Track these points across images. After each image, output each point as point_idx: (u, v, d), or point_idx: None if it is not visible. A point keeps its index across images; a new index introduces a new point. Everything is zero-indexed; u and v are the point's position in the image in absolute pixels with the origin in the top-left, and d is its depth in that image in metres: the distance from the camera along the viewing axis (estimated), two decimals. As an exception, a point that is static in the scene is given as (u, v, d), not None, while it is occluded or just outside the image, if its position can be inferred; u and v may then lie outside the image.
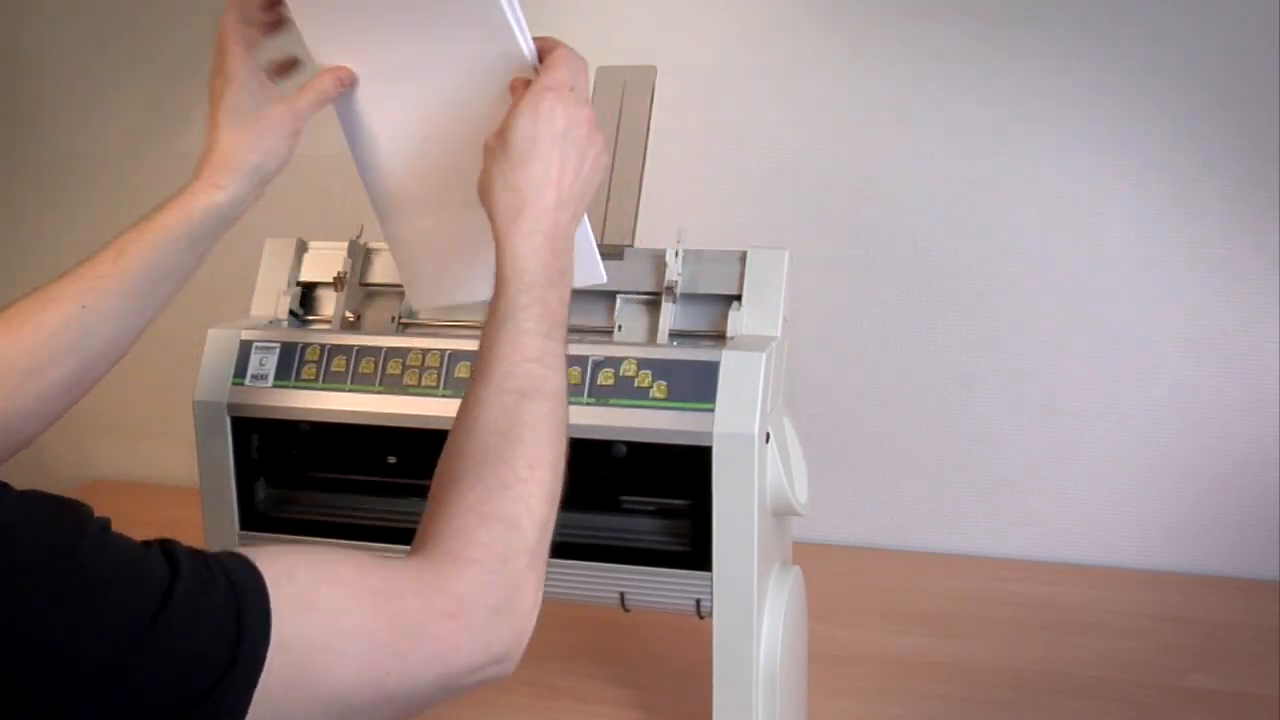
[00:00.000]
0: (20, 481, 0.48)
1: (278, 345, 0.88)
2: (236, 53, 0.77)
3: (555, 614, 1.06)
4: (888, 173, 1.26)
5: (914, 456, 1.31)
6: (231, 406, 0.88)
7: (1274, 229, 1.16)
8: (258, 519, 0.90)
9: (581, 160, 0.70)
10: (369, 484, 0.89)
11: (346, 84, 0.79)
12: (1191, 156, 1.17)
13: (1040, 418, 1.27)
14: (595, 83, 0.94)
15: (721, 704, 0.81)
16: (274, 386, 0.87)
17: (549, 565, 0.86)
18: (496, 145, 0.69)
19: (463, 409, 0.64)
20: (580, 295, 0.92)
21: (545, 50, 0.75)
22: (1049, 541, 1.28)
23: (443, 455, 0.63)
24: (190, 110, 1.49)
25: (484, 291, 0.69)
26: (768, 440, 0.80)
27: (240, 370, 0.88)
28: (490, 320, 0.66)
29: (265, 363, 0.88)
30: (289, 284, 0.95)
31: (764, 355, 0.79)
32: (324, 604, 0.51)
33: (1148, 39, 1.16)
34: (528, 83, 0.71)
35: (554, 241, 0.68)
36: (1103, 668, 1.04)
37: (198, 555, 0.49)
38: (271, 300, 0.95)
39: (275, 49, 0.79)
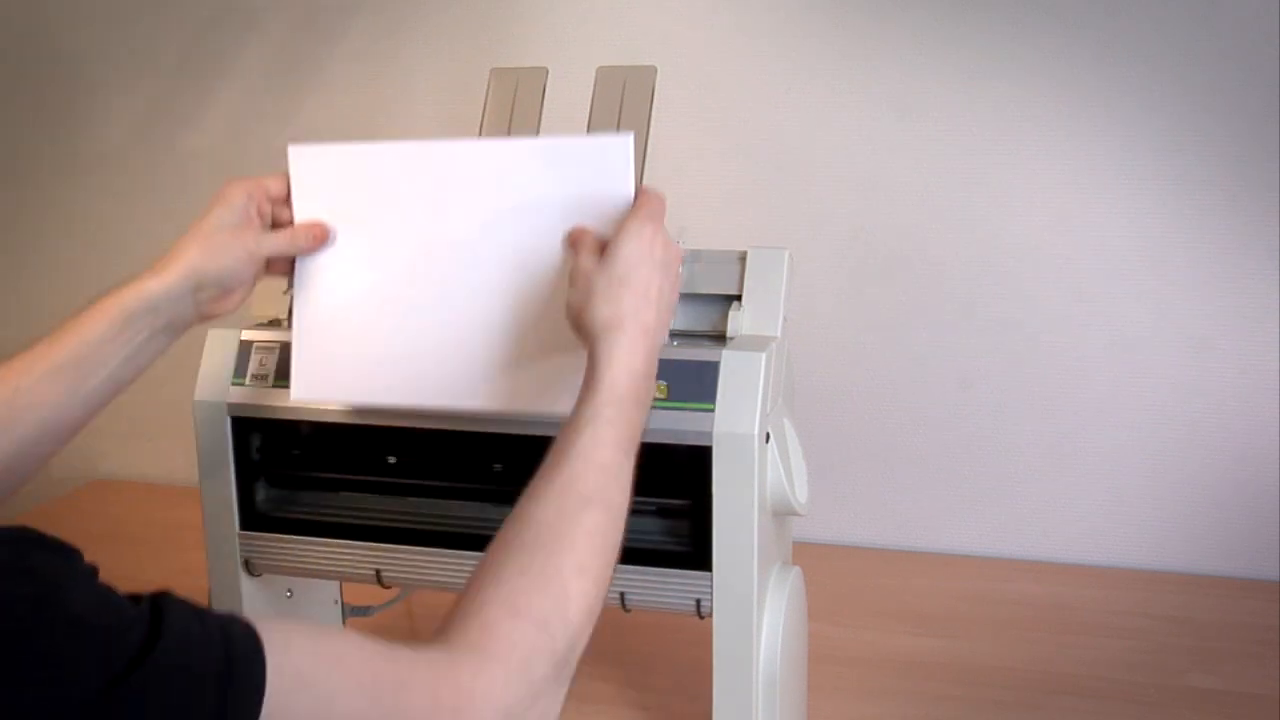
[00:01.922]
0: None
1: (278, 345, 0.88)
2: (240, 186, 0.79)
3: (555, 614, 1.06)
4: (887, 172, 1.26)
5: (914, 457, 1.31)
6: (231, 406, 0.88)
7: (1274, 228, 1.16)
8: (258, 519, 0.90)
9: (672, 292, 0.73)
10: (369, 484, 0.90)
11: (321, 241, 0.81)
12: (1192, 156, 1.17)
13: (1040, 418, 1.27)
14: (595, 82, 0.95)
15: (721, 704, 0.81)
16: (274, 386, 0.87)
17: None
18: (595, 267, 0.71)
19: (522, 500, 0.63)
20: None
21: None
22: (1049, 541, 1.28)
23: (492, 542, 0.61)
24: (190, 110, 1.49)
25: (557, 404, 0.74)
26: (768, 440, 0.80)
27: (240, 370, 0.88)
28: (570, 423, 0.66)
29: (265, 363, 0.88)
30: (289, 284, 0.95)
31: (764, 355, 0.79)
32: (319, 683, 0.48)
33: (1148, 38, 1.16)
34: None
35: (649, 361, 0.69)
36: (1103, 668, 1.04)
37: (193, 613, 0.46)
38: (271, 300, 0.95)
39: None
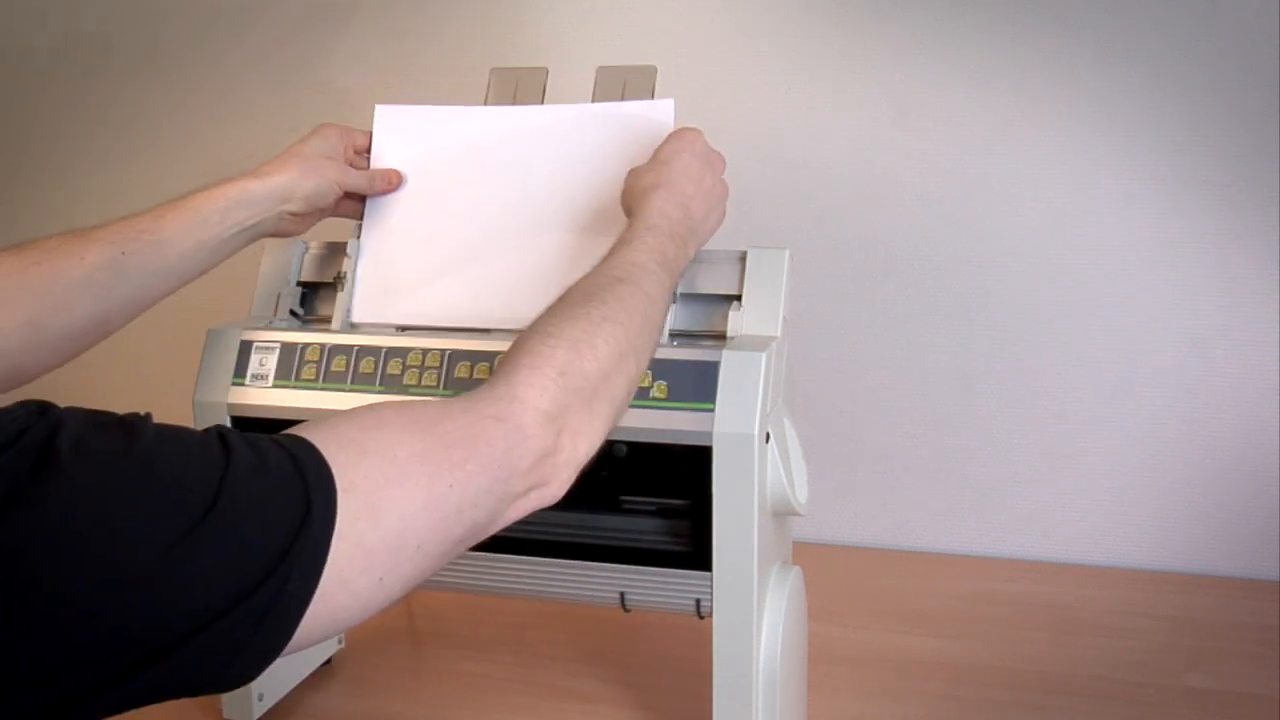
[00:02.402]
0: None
1: (278, 345, 0.89)
2: (335, 129, 0.91)
3: (555, 614, 1.06)
4: (887, 172, 1.26)
5: (914, 457, 1.31)
6: (231, 406, 0.88)
7: (1274, 228, 1.16)
8: (258, 519, 0.90)
9: (714, 184, 0.83)
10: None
11: (393, 185, 0.93)
12: (1192, 156, 1.17)
13: (1040, 418, 1.27)
14: (595, 83, 0.95)
15: (721, 704, 0.81)
16: (274, 386, 0.87)
17: (549, 566, 0.86)
18: (644, 163, 0.81)
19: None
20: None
21: None
22: (1049, 541, 1.28)
23: None
24: (190, 111, 1.49)
25: None
26: (768, 440, 0.80)
27: (240, 370, 0.88)
28: (611, 248, 0.73)
29: (265, 363, 0.88)
30: (289, 284, 0.95)
31: (764, 355, 0.79)
32: (376, 445, 0.53)
33: (1148, 38, 1.16)
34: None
35: (684, 213, 0.78)
36: (1103, 668, 1.04)
37: (246, 436, 0.50)
38: (271, 300, 0.95)
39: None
